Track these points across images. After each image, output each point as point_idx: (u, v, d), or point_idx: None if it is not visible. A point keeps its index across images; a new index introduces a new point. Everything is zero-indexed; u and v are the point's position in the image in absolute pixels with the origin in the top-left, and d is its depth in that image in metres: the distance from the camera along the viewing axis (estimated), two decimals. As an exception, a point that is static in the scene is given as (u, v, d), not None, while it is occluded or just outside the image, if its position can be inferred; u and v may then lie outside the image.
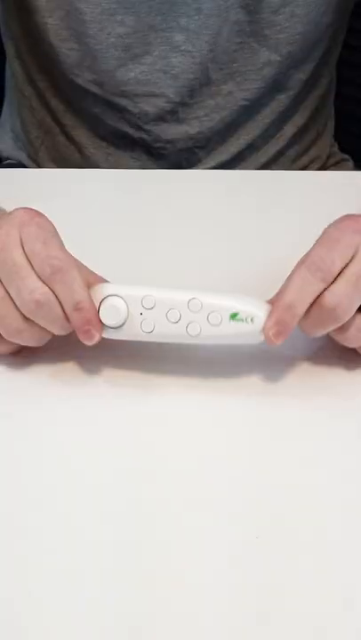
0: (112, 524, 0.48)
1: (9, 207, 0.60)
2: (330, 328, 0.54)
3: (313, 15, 0.78)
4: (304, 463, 0.52)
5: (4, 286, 0.52)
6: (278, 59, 0.80)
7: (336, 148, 1.00)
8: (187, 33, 0.77)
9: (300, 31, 0.78)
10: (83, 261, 0.56)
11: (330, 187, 0.78)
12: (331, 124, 0.97)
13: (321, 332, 0.54)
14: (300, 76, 0.83)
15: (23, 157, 0.93)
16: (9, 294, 0.52)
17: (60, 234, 0.55)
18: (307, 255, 0.53)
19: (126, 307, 0.53)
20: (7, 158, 0.95)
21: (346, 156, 0.99)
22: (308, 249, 0.55)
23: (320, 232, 0.56)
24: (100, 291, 0.54)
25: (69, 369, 0.57)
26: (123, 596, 0.44)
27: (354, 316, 0.54)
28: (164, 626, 0.43)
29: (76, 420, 0.54)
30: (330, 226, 0.55)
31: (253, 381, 0.57)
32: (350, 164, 0.99)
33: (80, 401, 0.55)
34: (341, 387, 0.57)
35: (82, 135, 0.87)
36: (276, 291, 0.55)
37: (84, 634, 0.43)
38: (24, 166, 0.93)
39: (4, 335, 0.54)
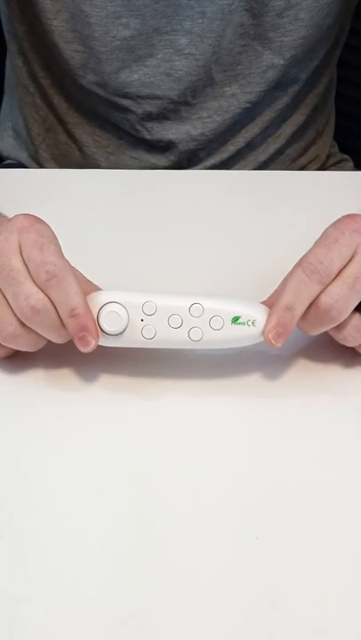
0: (111, 524, 0.48)
1: (9, 207, 0.60)
2: (326, 328, 0.54)
3: (317, 19, 0.78)
4: (304, 463, 0.52)
5: (1, 291, 0.52)
6: (282, 62, 0.80)
7: (336, 149, 1.00)
8: (190, 36, 0.77)
9: (304, 35, 0.78)
10: (82, 261, 0.56)
11: (330, 187, 0.78)
12: (331, 124, 0.97)
13: (318, 332, 0.55)
14: (302, 75, 0.83)
15: (23, 157, 0.93)
16: (6, 299, 0.52)
17: (59, 233, 0.55)
18: (304, 256, 0.54)
19: (127, 313, 0.53)
20: (7, 158, 0.95)
21: (346, 156, 0.99)
22: (309, 249, 0.55)
23: (320, 232, 0.56)
24: (99, 298, 0.53)
25: (66, 373, 0.56)
26: (122, 597, 0.44)
27: (351, 315, 0.54)
28: (163, 627, 0.43)
29: (75, 423, 0.54)
30: (330, 226, 0.55)
31: (253, 381, 0.57)
32: (350, 164, 0.99)
33: (77, 404, 0.55)
34: (341, 385, 0.57)
35: (83, 133, 0.87)
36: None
37: (84, 636, 0.43)
38: (24, 166, 0.93)
39: None
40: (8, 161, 0.95)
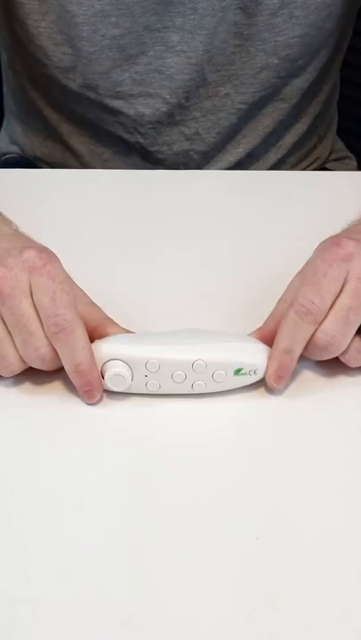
0: (111, 525, 0.48)
1: (9, 207, 0.60)
2: (329, 357, 0.55)
3: (313, 18, 0.77)
4: (304, 463, 0.52)
5: (7, 329, 0.53)
6: (276, 62, 0.79)
7: (341, 144, 0.99)
8: (182, 33, 0.76)
9: (299, 34, 0.77)
10: (82, 262, 0.55)
11: (330, 187, 0.78)
12: (333, 126, 0.96)
13: (322, 359, 0.55)
14: (302, 84, 0.82)
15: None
16: (11, 337, 0.53)
17: (59, 233, 0.55)
18: (295, 297, 0.53)
19: (131, 372, 0.53)
20: (6, 153, 0.94)
21: (350, 155, 0.98)
22: (310, 249, 0.55)
23: (320, 232, 0.56)
24: (103, 351, 0.54)
25: (65, 374, 0.56)
26: (122, 597, 0.44)
27: (351, 340, 0.54)
28: (163, 627, 0.43)
29: (74, 423, 0.54)
30: (315, 255, 0.55)
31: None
32: (354, 162, 0.98)
33: (77, 405, 0.55)
34: (341, 385, 0.57)
35: (78, 143, 0.86)
36: (274, 291, 0.56)
37: (84, 636, 0.43)
38: (24, 159, 0.92)
39: None
40: (7, 156, 0.94)
